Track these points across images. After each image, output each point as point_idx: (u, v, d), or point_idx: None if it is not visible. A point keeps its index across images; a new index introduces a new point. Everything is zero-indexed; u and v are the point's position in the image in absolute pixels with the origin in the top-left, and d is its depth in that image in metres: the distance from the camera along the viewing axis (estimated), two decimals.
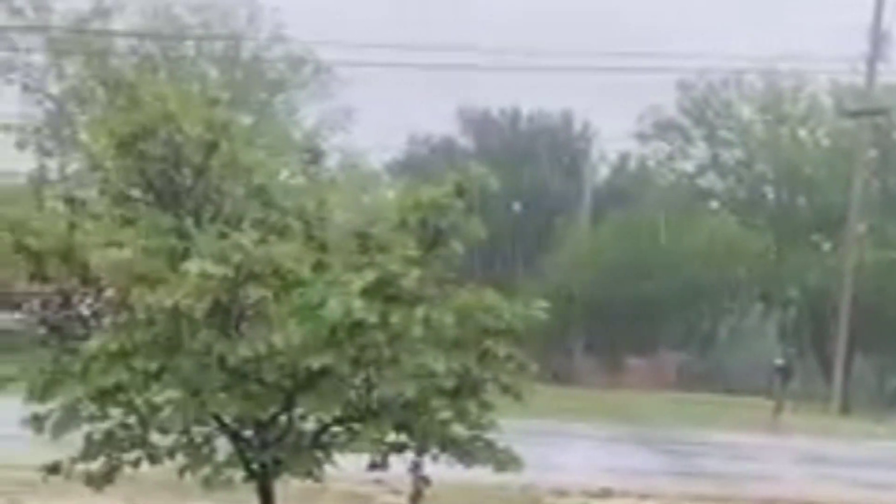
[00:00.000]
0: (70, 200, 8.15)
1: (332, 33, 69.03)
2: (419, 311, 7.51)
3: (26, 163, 40.83)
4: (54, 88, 46.91)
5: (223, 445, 8.19)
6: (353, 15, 55.35)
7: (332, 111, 48.72)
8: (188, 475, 8.04)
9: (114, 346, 7.60)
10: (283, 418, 8.16)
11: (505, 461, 8.14)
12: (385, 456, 8.17)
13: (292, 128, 46.05)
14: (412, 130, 61.39)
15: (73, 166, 42.64)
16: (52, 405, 7.96)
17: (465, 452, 8.10)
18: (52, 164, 44.05)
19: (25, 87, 46.48)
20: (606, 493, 16.71)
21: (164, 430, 8.05)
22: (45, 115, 46.93)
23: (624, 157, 60.78)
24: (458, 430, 8.06)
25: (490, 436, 8.12)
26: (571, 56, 43.11)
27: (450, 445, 8.06)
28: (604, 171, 62.37)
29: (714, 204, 56.56)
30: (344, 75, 46.55)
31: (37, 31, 45.08)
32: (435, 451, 8.12)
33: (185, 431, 8.05)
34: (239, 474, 8.14)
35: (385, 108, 52.90)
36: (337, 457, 8.28)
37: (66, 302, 7.93)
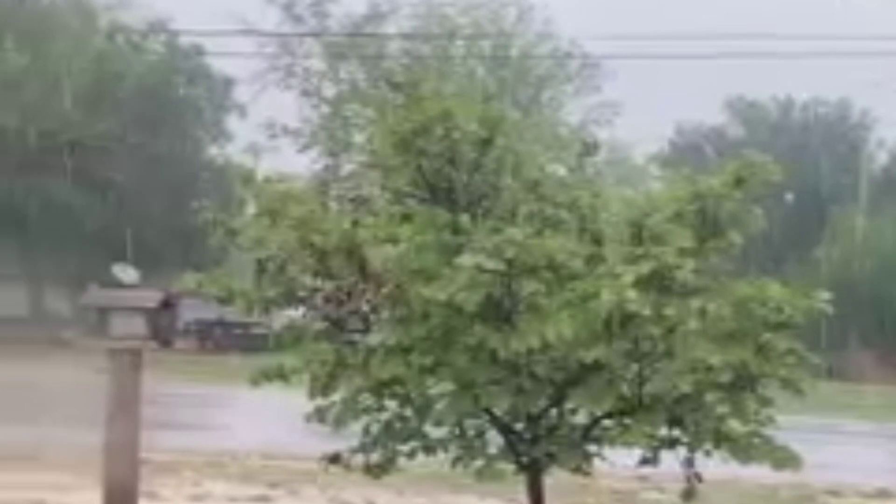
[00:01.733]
0: (354, 199, 8.40)
1: (598, 27, 68.75)
2: (694, 303, 7.38)
3: (303, 164, 42.49)
4: (329, 92, 48.59)
5: (493, 438, 8.27)
6: (618, 7, 54.92)
7: (598, 105, 48.63)
8: (437, 467, 8.12)
9: (392, 341, 7.79)
10: (553, 412, 8.18)
11: (783, 459, 7.87)
12: (656, 451, 8.07)
13: (559, 123, 46.18)
14: (679, 122, 60.55)
15: (347, 166, 44.12)
16: (334, 397, 8.22)
17: (740, 449, 7.89)
18: (326, 164, 45.69)
19: (303, 92, 48.31)
20: (883, 493, 16.04)
21: (438, 423, 8.19)
22: (321, 118, 48.66)
23: None
24: (734, 425, 7.87)
25: (767, 432, 7.89)
26: (839, 41, 41.38)
27: (724, 441, 7.88)
28: (881, 159, 59.79)
29: None
30: (610, 68, 46.38)
31: (315, 37, 46.78)
32: (708, 447, 7.96)
33: (458, 424, 8.16)
34: (509, 467, 8.21)
35: (651, 100, 52.32)
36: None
37: (348, 297, 8.17)
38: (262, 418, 19.33)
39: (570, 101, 49.02)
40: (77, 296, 47.18)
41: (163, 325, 9.10)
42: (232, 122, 50.89)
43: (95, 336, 9.16)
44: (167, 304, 9.19)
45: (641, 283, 7.28)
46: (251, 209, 8.85)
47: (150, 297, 9.25)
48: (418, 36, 46.00)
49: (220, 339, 43.66)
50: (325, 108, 48.60)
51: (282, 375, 8.41)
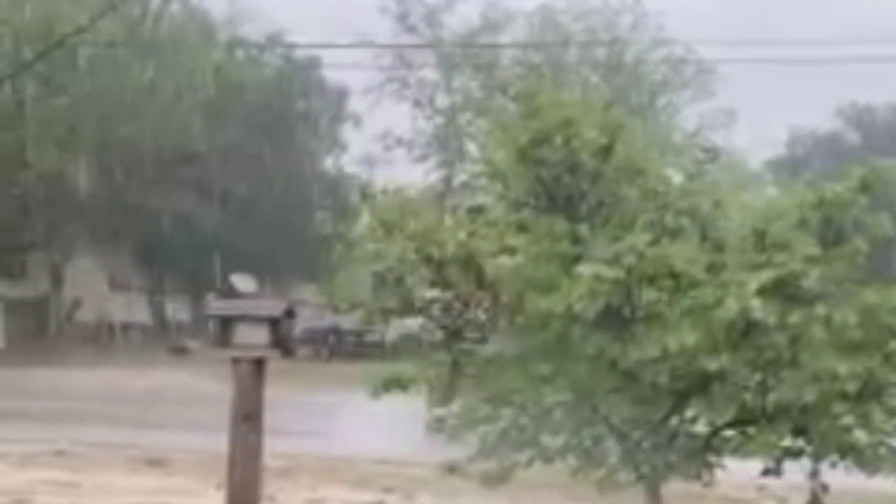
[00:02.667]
0: (471, 209, 8.42)
1: (712, 32, 67.91)
2: (820, 311, 7.25)
3: (416, 175, 42.73)
4: (443, 102, 48.80)
5: (611, 447, 8.20)
6: (731, 13, 54.21)
7: (713, 111, 48.06)
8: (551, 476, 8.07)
9: (510, 351, 7.79)
10: (673, 421, 8.09)
11: None
12: (779, 461, 7.93)
13: (673, 129, 45.75)
14: (793, 127, 59.54)
15: (460, 177, 44.26)
16: (452, 406, 8.25)
17: (866, 460, 7.72)
18: (440, 175, 45.88)
19: (416, 103, 48.59)
20: None
21: (554, 432, 8.15)
22: (434, 128, 48.88)
23: None
24: (860, 435, 7.70)
25: (894, 442, 7.71)
26: None
27: (850, 452, 7.72)
28: None
29: None
30: (724, 74, 45.82)
31: (429, 48, 47.05)
32: (833, 457, 7.80)
33: (576, 433, 8.12)
34: (628, 476, 8.14)
35: (765, 105, 51.52)
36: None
37: (465, 307, 8.19)
38: (377, 425, 19.48)
39: (684, 107, 48.55)
40: (196, 305, 48.26)
41: (285, 335, 9.22)
42: (347, 133, 51.44)
43: (219, 345, 9.32)
44: (289, 314, 9.32)
45: (765, 291, 7.17)
46: (365, 219, 8.93)
47: (274, 307, 9.42)
48: (532, 45, 45.95)
49: (334, 347, 44.05)
50: (439, 119, 48.81)
51: (400, 385, 8.45)
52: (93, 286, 46.24)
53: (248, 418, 9.19)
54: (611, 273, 7.29)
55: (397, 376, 8.38)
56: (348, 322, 35.61)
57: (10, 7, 33.16)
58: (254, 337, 8.94)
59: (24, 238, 42.84)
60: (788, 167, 51.94)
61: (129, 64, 39.27)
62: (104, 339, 44.95)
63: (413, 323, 8.78)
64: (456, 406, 8.25)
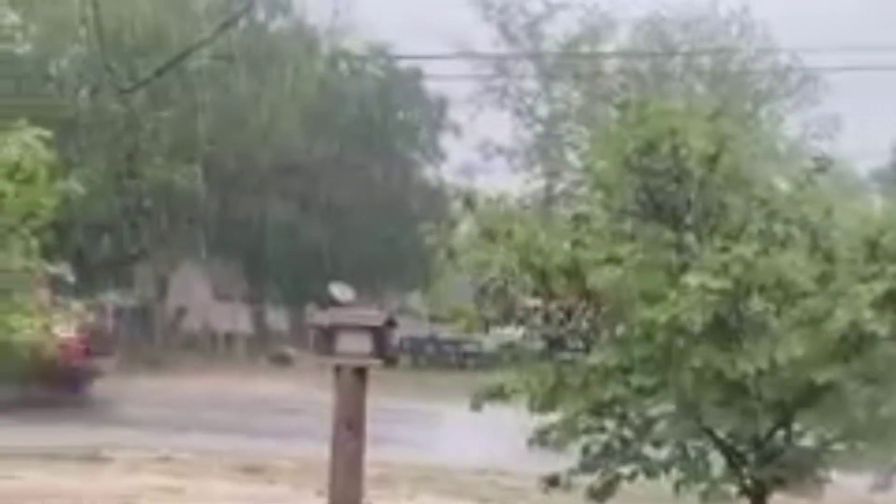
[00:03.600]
0: (575, 218, 8.38)
1: (817, 40, 66.85)
2: None
3: (515, 184, 42.69)
4: (543, 112, 48.71)
5: (715, 460, 8.10)
6: (836, 19, 53.37)
7: (818, 119, 47.27)
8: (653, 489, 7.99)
9: (613, 361, 7.72)
10: (780, 434, 7.96)
11: None
12: (888, 476, 7.76)
13: (778, 138, 45.11)
14: None
15: (560, 185, 44.13)
16: (554, 418, 8.20)
17: None
18: (540, 184, 45.78)
19: (516, 112, 48.57)
20: None
21: (657, 444, 8.07)
22: (534, 137, 48.81)
23: None
24: None
25: None
26: None
27: None
28: None
29: None
30: (829, 81, 45.06)
31: (530, 57, 47.04)
32: None
33: (680, 445, 8.03)
34: (732, 490, 8.02)
35: (872, 113, 50.49)
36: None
37: (568, 317, 8.15)
38: (474, 434, 19.47)
39: (789, 116, 47.85)
40: (295, 314, 48.69)
41: (387, 344, 9.27)
42: (446, 142, 51.60)
43: (321, 353, 9.39)
44: (391, 324, 9.37)
45: (878, 303, 7.03)
46: (465, 228, 8.93)
47: (376, 317, 9.45)
48: (634, 54, 45.66)
49: (432, 355, 44.21)
50: (539, 128, 48.73)
51: (502, 396, 8.43)
52: (197, 295, 46.98)
53: (350, 426, 9.26)
54: (718, 283, 7.19)
55: (500, 387, 8.35)
56: (446, 331, 35.73)
57: (121, 22, 33.90)
58: (356, 346, 8.96)
59: (131, 249, 43.70)
60: (894, 176, 50.86)
61: (234, 76, 39.88)
62: (207, 348, 45.63)
63: (511, 332, 8.76)
64: (557, 416, 8.20)
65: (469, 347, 39.80)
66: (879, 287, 7.11)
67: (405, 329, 38.98)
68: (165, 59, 31.87)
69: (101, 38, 10.96)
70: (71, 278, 9.82)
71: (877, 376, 7.38)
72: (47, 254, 9.92)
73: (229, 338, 47.42)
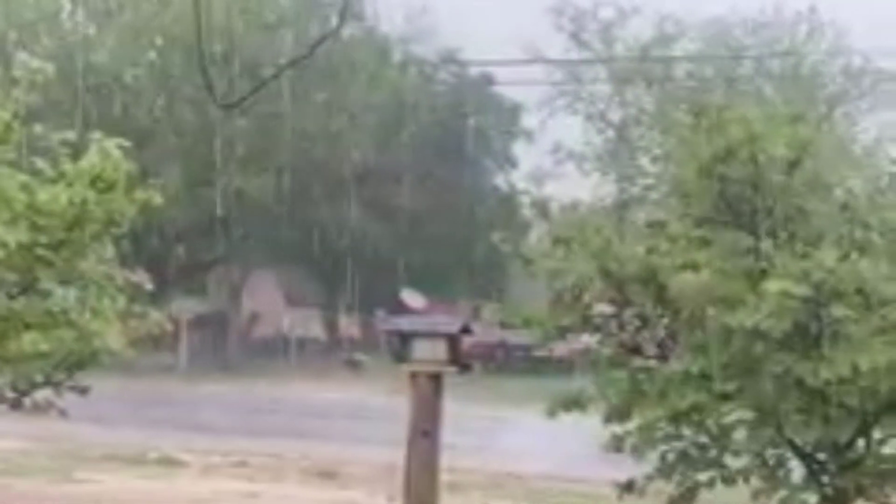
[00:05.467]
0: (650, 224, 8.33)
1: (892, 41, 65.82)
2: None
3: (586, 189, 42.54)
4: (615, 116, 48.48)
5: (795, 467, 8.01)
6: None
7: (894, 121, 46.53)
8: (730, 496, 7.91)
9: (694, 368, 7.67)
10: (860, 442, 7.86)
11: None
12: None
13: (852, 141, 44.51)
14: None
15: (633, 191, 43.88)
16: (630, 425, 8.16)
17: None
18: (611, 189, 45.55)
19: (588, 117, 48.38)
20: None
21: (735, 452, 8.00)
22: (606, 142, 48.59)
23: None
24: None
25: None
26: None
27: None
28: None
29: None
30: None
31: (602, 62, 46.86)
32: None
33: (759, 453, 7.95)
34: (813, 498, 7.93)
35: None
36: None
37: (644, 324, 8.11)
38: (547, 441, 19.41)
39: (863, 118, 47.14)
40: (366, 321, 48.96)
41: (462, 351, 9.29)
42: (518, 148, 51.52)
43: (396, 359, 9.43)
44: (466, 330, 9.38)
45: None
46: (535, 235, 8.92)
47: (451, 323, 9.47)
48: (705, 58, 45.29)
49: (502, 361, 44.14)
50: (611, 132, 48.51)
51: (579, 404, 8.40)
52: (270, 302, 47.35)
53: (425, 433, 9.29)
54: (799, 290, 7.12)
55: (577, 396, 8.31)
56: (516, 337, 35.63)
57: (202, 35, 34.31)
58: (431, 352, 8.96)
59: (206, 256, 44.19)
60: None
61: (309, 84, 40.18)
62: (280, 354, 45.94)
63: (588, 339, 8.72)
64: (633, 424, 8.15)
65: (540, 353, 39.68)
66: None
67: (475, 335, 38.73)
68: (240, 69, 32.23)
69: (201, 53, 11.05)
70: (149, 286, 9.95)
71: None
72: (124, 262, 10.06)
73: (302, 343, 47.70)
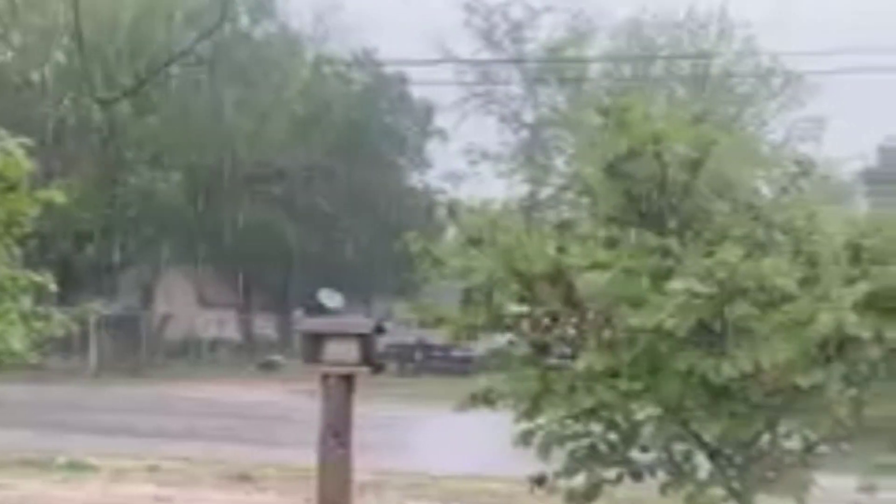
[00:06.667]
0: (559, 224, 8.38)
1: (799, 43, 67.09)
2: None
3: (501, 189, 42.73)
4: (528, 116, 48.80)
5: (702, 463, 8.12)
6: (818, 22, 53.52)
7: (802, 121, 47.42)
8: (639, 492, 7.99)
9: (599, 366, 7.73)
10: (765, 437, 7.98)
11: None
12: (875, 478, 7.79)
13: (761, 141, 45.21)
14: (886, 137, 58.44)
15: (546, 191, 44.14)
16: (539, 421, 8.21)
17: None
18: (526, 189, 45.81)
19: (502, 118, 48.65)
20: None
21: (644, 448, 8.09)
22: (520, 142, 48.88)
23: None
24: None
25: None
26: None
27: None
28: None
29: None
30: (813, 84, 45.22)
31: (514, 62, 47.13)
32: None
33: (666, 449, 8.05)
34: (719, 493, 8.04)
35: (857, 115, 50.61)
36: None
37: (554, 323, 8.15)
38: (462, 440, 19.48)
39: (772, 119, 47.96)
40: (282, 321, 48.75)
41: (374, 351, 9.27)
42: (433, 149, 51.67)
43: (309, 360, 9.39)
44: (379, 330, 9.36)
45: (860, 306, 7.06)
46: (451, 235, 8.93)
47: (364, 324, 9.45)
48: (617, 58, 45.76)
49: (420, 362, 44.21)
50: (525, 133, 48.81)
51: (489, 400, 8.44)
52: (183, 303, 46.94)
53: (336, 433, 9.27)
54: (703, 288, 7.20)
55: (485, 391, 8.36)
56: (434, 337, 35.73)
57: (102, 31, 33.86)
58: (343, 353, 8.90)
59: (116, 256, 43.64)
60: (881, 178, 51.02)
61: (219, 83, 39.88)
62: (193, 356, 45.57)
63: (500, 338, 8.75)
64: (543, 421, 8.20)
65: (458, 353, 39.78)
66: (862, 290, 7.14)
67: (393, 335, 38.98)
68: (147, 67, 31.87)
69: (80, 47, 10.91)
70: (53, 287, 9.81)
71: (860, 378, 7.41)
72: (31, 263, 9.92)
73: (215, 345, 47.34)
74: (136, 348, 42.32)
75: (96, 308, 39.53)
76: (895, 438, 7.52)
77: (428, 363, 43.86)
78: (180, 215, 42.16)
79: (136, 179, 39.55)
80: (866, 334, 7.03)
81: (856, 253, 7.54)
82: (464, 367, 36.94)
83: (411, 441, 22.64)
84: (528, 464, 8.38)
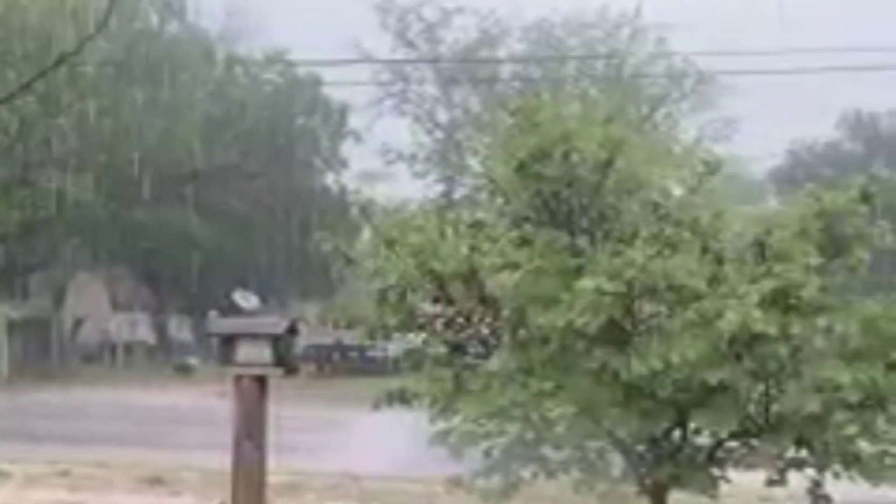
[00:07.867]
0: (472, 224, 8.41)
1: (711, 44, 68.01)
2: (821, 322, 7.26)
3: (417, 189, 42.76)
4: (443, 117, 48.84)
5: (615, 460, 8.20)
6: (729, 24, 54.28)
7: (713, 122, 48.05)
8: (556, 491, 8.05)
9: (512, 365, 7.78)
10: (676, 433, 8.09)
11: None
12: (783, 472, 7.94)
13: (673, 141, 45.70)
14: (794, 138, 59.57)
15: (461, 191, 44.26)
16: (455, 421, 8.23)
17: (870, 470, 7.73)
18: (440, 190, 45.88)
19: (416, 118, 48.63)
20: None
21: (558, 446, 8.15)
22: (434, 143, 48.90)
23: None
24: (863, 445, 7.71)
25: None
26: None
27: (854, 462, 7.73)
28: None
29: None
30: (724, 84, 45.81)
31: (428, 63, 47.11)
32: (837, 468, 7.81)
33: (579, 447, 8.12)
34: (632, 489, 8.13)
35: (767, 116, 51.50)
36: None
37: (467, 322, 8.19)
38: (380, 441, 19.45)
39: (684, 119, 48.50)
40: (198, 323, 48.27)
41: (288, 352, 9.20)
42: (347, 149, 51.50)
43: (222, 362, 9.30)
44: (292, 331, 9.30)
45: (766, 303, 7.18)
46: (366, 236, 8.93)
47: (277, 325, 9.36)
48: (530, 59, 45.97)
49: (337, 363, 44.05)
50: (439, 133, 48.85)
51: (404, 399, 8.46)
52: (95, 305, 46.29)
53: (250, 436, 9.20)
54: (612, 287, 7.29)
55: (400, 390, 8.38)
56: (351, 338, 35.66)
57: (10, 26, 33.30)
58: (256, 354, 8.87)
59: (26, 259, 42.89)
60: (790, 177, 51.94)
61: (129, 82, 39.37)
62: (107, 359, 44.98)
63: (415, 338, 8.77)
64: (458, 420, 8.23)
65: (374, 353, 39.72)
66: (767, 286, 7.26)
67: (310, 336, 38.80)
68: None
69: None
70: None
71: (767, 374, 7.54)
72: None
73: (129, 348, 46.77)
74: (47, 352, 41.67)
75: (5, 311, 38.88)
76: (802, 433, 7.67)
77: (346, 364, 43.72)
78: (92, 217, 41.57)
79: (46, 181, 38.89)
80: (772, 331, 7.15)
81: (760, 250, 7.67)
82: (381, 367, 36.90)
83: (330, 442, 22.55)
84: (450, 464, 8.41)
